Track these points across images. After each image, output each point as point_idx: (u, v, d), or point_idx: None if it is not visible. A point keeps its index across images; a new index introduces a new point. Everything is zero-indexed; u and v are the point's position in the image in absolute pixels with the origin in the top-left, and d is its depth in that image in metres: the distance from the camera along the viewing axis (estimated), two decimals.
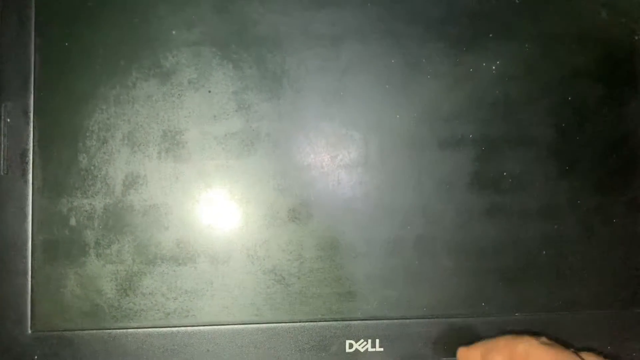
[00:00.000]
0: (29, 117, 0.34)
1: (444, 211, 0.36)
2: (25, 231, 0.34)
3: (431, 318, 0.36)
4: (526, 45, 0.37)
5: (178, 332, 0.34)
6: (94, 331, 0.34)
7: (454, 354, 0.36)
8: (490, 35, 0.37)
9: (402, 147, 0.36)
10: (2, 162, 0.34)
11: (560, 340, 0.31)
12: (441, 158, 0.36)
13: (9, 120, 0.34)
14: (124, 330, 0.34)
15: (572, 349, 0.29)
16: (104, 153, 0.34)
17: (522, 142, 0.37)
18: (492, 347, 0.31)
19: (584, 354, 0.29)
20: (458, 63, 0.37)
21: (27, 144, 0.34)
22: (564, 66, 0.38)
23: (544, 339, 0.30)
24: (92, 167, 0.34)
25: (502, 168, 0.37)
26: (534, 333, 0.31)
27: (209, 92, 0.35)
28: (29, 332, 0.33)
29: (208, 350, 0.34)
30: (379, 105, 0.36)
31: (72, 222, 0.34)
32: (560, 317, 0.37)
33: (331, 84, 0.36)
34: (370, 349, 0.35)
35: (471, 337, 0.36)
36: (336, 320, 0.35)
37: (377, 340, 0.36)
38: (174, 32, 0.35)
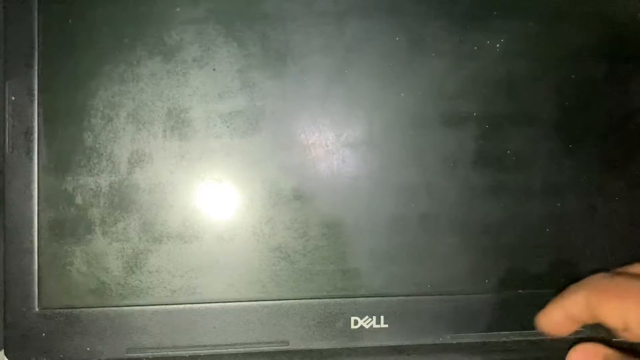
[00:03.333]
0: (33, 95, 0.34)
1: (448, 189, 0.37)
2: (31, 209, 0.34)
3: (435, 295, 0.36)
4: (530, 23, 0.37)
5: (184, 309, 0.34)
6: (101, 308, 0.34)
7: (458, 331, 0.36)
8: (495, 12, 0.37)
9: (406, 125, 0.36)
10: (7, 140, 0.34)
11: None
12: (445, 136, 0.37)
13: (13, 98, 0.34)
14: (131, 308, 0.34)
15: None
16: (109, 131, 0.34)
17: (526, 120, 0.37)
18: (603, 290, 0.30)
19: None
20: (462, 41, 0.37)
21: (31, 122, 0.34)
22: (569, 44, 0.38)
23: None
24: (97, 145, 0.34)
25: (506, 146, 0.37)
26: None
27: (214, 70, 0.35)
28: (37, 309, 0.34)
29: (214, 327, 0.35)
30: (383, 84, 0.36)
31: (78, 200, 0.34)
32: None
33: (335, 62, 0.36)
34: (375, 326, 0.36)
35: (475, 314, 0.37)
36: (341, 297, 0.36)
37: (382, 317, 0.36)
38: (178, 10, 0.35)
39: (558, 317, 0.32)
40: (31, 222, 0.34)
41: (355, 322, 0.36)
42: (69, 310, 0.34)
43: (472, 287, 0.37)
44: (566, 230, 0.38)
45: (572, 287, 0.32)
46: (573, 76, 0.38)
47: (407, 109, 0.36)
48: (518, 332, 0.37)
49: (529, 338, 0.37)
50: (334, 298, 0.36)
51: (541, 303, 0.37)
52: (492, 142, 0.37)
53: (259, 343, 0.35)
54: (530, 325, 0.36)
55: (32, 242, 0.34)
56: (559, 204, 0.37)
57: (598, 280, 0.31)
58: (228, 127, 0.35)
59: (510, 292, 0.37)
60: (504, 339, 0.37)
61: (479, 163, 0.37)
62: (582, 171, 0.38)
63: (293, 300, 0.35)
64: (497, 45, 0.37)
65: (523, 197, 0.37)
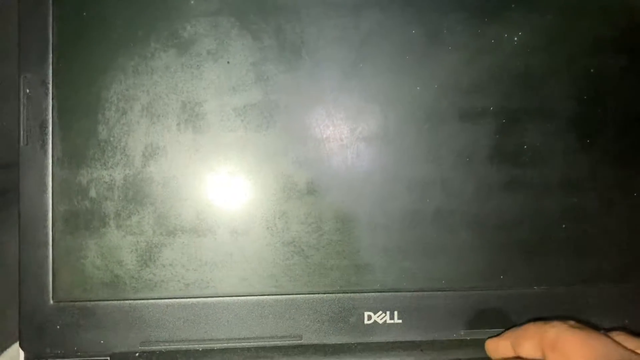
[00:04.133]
0: (48, 88, 0.34)
1: (464, 184, 0.36)
2: (46, 202, 0.34)
3: (450, 291, 0.36)
4: (549, 16, 0.37)
5: (198, 302, 0.34)
6: (115, 302, 0.34)
7: (472, 327, 0.36)
8: (513, 5, 0.36)
9: (421, 120, 0.36)
10: (22, 133, 0.34)
11: (590, 323, 0.31)
12: (461, 130, 0.36)
13: (28, 91, 0.34)
14: (145, 301, 0.34)
15: (602, 331, 0.29)
16: (123, 124, 0.34)
17: (543, 115, 0.37)
18: (522, 334, 0.30)
19: (614, 334, 0.29)
20: (479, 34, 0.36)
21: (46, 115, 0.34)
22: (587, 38, 0.37)
23: (572, 322, 0.29)
24: (111, 138, 0.34)
25: (523, 141, 0.37)
26: (563, 317, 0.31)
27: (228, 63, 0.35)
28: (51, 302, 0.34)
29: (227, 321, 0.34)
30: (398, 77, 0.36)
31: (92, 193, 0.34)
32: (579, 291, 0.37)
33: (350, 55, 0.35)
34: (388, 321, 0.36)
35: (489, 310, 0.36)
36: (355, 292, 0.36)
37: (396, 312, 0.36)
38: (192, 2, 0.35)
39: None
40: (46, 215, 0.34)
41: (369, 317, 0.36)
42: (83, 303, 0.34)
43: (487, 283, 0.36)
44: (583, 226, 0.37)
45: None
46: (592, 70, 0.37)
47: (422, 103, 0.36)
48: None
49: None
50: (348, 293, 0.36)
51: (556, 299, 0.37)
52: (509, 137, 0.36)
53: (272, 337, 0.35)
54: (544, 320, 0.36)
55: (46, 235, 0.34)
56: (575, 200, 0.37)
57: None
58: (242, 120, 0.35)
59: (525, 288, 0.37)
60: None
61: (495, 158, 0.36)
62: (600, 166, 0.37)
63: (306, 295, 0.35)
64: (515, 38, 0.36)
65: (539, 193, 0.37)
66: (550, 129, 0.37)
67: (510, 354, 0.31)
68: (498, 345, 0.32)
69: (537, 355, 0.29)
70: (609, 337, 0.28)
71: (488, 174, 0.36)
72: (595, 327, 0.29)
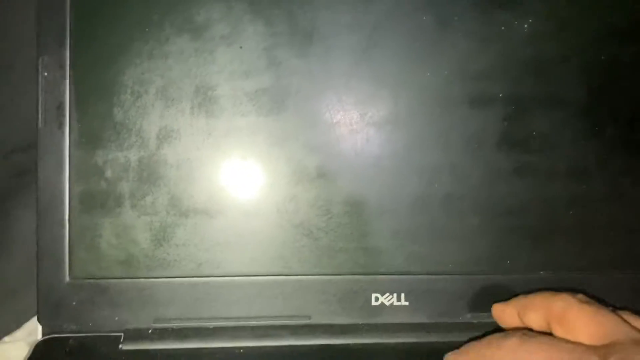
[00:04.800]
0: (65, 71, 0.35)
1: (472, 170, 0.37)
2: (63, 182, 0.35)
3: (457, 274, 0.37)
4: (559, 3, 0.37)
5: (209, 282, 0.35)
6: (129, 280, 0.35)
7: (478, 310, 0.37)
8: None
9: (431, 105, 0.36)
10: (39, 114, 0.34)
11: (598, 298, 0.31)
12: (470, 117, 0.37)
13: (46, 74, 0.35)
14: (158, 279, 0.35)
15: (610, 307, 0.29)
16: (138, 107, 0.35)
17: (552, 102, 0.37)
18: (528, 304, 0.30)
19: (622, 313, 0.29)
20: (490, 21, 0.36)
21: (63, 97, 0.35)
22: (598, 25, 0.37)
23: (581, 296, 0.29)
24: (126, 121, 0.35)
25: (532, 127, 0.37)
26: (572, 290, 0.30)
27: (240, 48, 0.35)
28: (67, 279, 0.35)
29: (238, 300, 0.35)
30: (409, 63, 0.36)
31: (108, 174, 0.35)
32: (586, 277, 0.37)
33: (361, 41, 0.36)
34: (395, 303, 0.36)
35: (496, 295, 0.37)
36: (363, 274, 0.36)
37: (403, 295, 0.36)
38: None
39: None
40: (62, 195, 0.35)
41: (376, 299, 0.36)
42: (98, 280, 0.35)
43: (494, 268, 0.37)
44: (590, 212, 0.37)
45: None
46: (602, 57, 0.37)
47: (432, 89, 0.36)
48: None
49: None
50: (356, 275, 0.36)
51: (562, 285, 0.37)
52: (518, 123, 0.37)
53: (282, 317, 0.36)
54: None
55: (63, 214, 0.35)
56: (584, 187, 0.37)
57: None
58: (254, 105, 0.36)
59: (531, 273, 0.37)
60: None
61: (504, 144, 0.37)
62: (609, 154, 0.37)
63: (315, 276, 0.36)
64: (525, 25, 0.37)
65: (547, 179, 0.37)
66: (560, 116, 0.37)
67: (516, 321, 0.31)
68: (504, 312, 0.32)
69: (543, 326, 0.29)
70: (617, 314, 0.28)
71: (497, 160, 0.37)
72: (603, 303, 0.29)
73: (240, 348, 0.34)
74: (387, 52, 0.36)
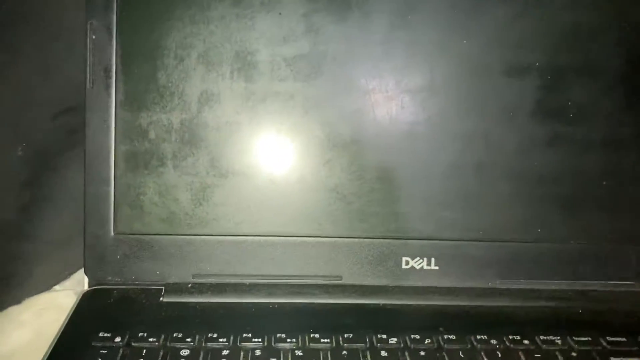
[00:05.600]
0: (112, 35, 0.36)
1: (506, 138, 0.37)
2: (109, 142, 0.36)
3: (487, 241, 0.37)
4: None
5: (246, 240, 0.37)
6: (170, 236, 0.37)
7: (507, 277, 0.37)
8: None
9: (467, 73, 0.37)
10: (88, 76, 0.36)
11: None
12: (506, 85, 0.37)
13: (94, 37, 0.36)
14: (198, 237, 0.37)
15: None
16: (181, 71, 0.36)
17: (589, 72, 0.37)
18: None
19: None
20: None
21: (110, 60, 0.36)
22: None
23: None
24: (169, 84, 0.36)
25: (568, 97, 0.37)
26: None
27: (279, 14, 0.36)
28: (112, 234, 0.37)
29: (273, 258, 0.37)
30: (446, 31, 0.36)
31: (152, 135, 0.36)
32: (616, 248, 0.38)
33: (399, 8, 0.36)
34: (425, 267, 0.37)
35: (525, 262, 0.37)
36: (394, 238, 0.37)
37: (433, 259, 0.37)
38: None
39: None
40: (108, 154, 0.36)
41: (407, 263, 0.37)
42: (141, 236, 0.37)
43: (524, 236, 0.37)
44: (625, 185, 0.37)
45: None
46: None
47: (469, 57, 0.37)
48: (567, 281, 0.37)
49: (577, 288, 0.37)
50: (387, 239, 0.37)
51: (592, 256, 0.37)
52: (553, 93, 0.37)
53: (315, 276, 0.37)
54: (580, 275, 0.37)
55: (109, 172, 0.36)
56: (618, 158, 0.37)
57: None
58: (292, 70, 0.36)
59: (562, 242, 0.38)
60: (553, 287, 0.37)
61: (539, 113, 0.37)
62: None
63: (347, 239, 0.37)
64: None
65: (582, 149, 0.37)
66: (596, 86, 0.37)
67: None
68: None
69: None
70: None
71: (531, 129, 0.37)
72: None
73: (274, 304, 0.35)
74: (424, 19, 0.36)
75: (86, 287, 0.36)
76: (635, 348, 0.33)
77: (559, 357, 0.32)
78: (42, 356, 0.30)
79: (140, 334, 0.32)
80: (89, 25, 0.36)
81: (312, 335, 0.32)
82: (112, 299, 0.36)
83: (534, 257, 0.37)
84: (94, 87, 0.36)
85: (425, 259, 0.37)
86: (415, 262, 0.37)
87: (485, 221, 0.37)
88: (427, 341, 0.32)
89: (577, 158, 0.37)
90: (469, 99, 0.37)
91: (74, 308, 0.35)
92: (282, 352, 0.31)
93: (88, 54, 0.36)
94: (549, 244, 0.37)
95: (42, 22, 0.39)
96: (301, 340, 0.32)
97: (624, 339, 0.33)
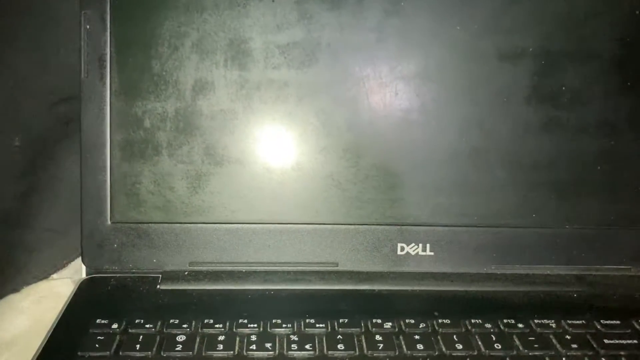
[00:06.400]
0: (106, 24, 0.36)
1: (501, 124, 0.37)
2: (104, 131, 0.36)
3: (482, 227, 0.38)
4: None
5: (242, 228, 0.37)
6: (167, 224, 0.37)
7: (502, 262, 0.37)
8: None
9: (461, 59, 0.37)
10: (83, 66, 0.36)
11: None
12: (500, 71, 0.37)
13: (88, 27, 0.36)
14: (194, 225, 0.37)
15: None
16: (175, 59, 0.36)
17: (583, 57, 0.37)
18: None
19: None
20: None
21: (104, 49, 0.36)
22: None
23: None
24: (163, 73, 0.36)
25: (561, 82, 0.37)
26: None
27: (273, 1, 0.36)
28: (109, 222, 0.37)
29: (269, 245, 0.37)
30: (439, 17, 0.36)
31: (147, 123, 0.36)
32: (611, 232, 0.38)
33: None
34: (421, 253, 0.37)
35: (520, 247, 0.37)
36: (389, 224, 0.37)
37: (428, 245, 0.37)
38: None
39: None
40: (104, 143, 0.36)
41: (402, 249, 0.37)
42: (138, 224, 0.37)
43: (519, 221, 0.38)
44: (619, 169, 0.38)
45: None
46: (637, 12, 0.37)
47: (462, 43, 0.37)
48: (562, 266, 0.38)
49: (573, 272, 0.38)
50: (382, 225, 0.37)
51: (587, 239, 0.38)
52: (547, 78, 0.37)
53: (310, 263, 0.37)
54: (574, 259, 0.37)
55: (104, 161, 0.37)
56: (612, 142, 0.37)
57: None
58: (285, 57, 0.37)
59: (557, 227, 0.38)
60: (548, 272, 0.38)
61: (533, 99, 0.37)
62: (638, 109, 0.37)
63: (343, 225, 0.37)
64: None
65: (576, 134, 0.37)
66: (590, 71, 0.37)
67: None
68: None
69: None
70: None
71: (525, 115, 0.37)
72: None
73: (270, 290, 0.36)
74: (418, 5, 0.36)
75: (84, 276, 0.37)
76: (629, 331, 0.33)
77: (554, 341, 0.32)
78: (40, 343, 0.31)
79: (137, 321, 0.32)
80: (83, 15, 0.36)
81: (307, 321, 0.32)
82: (109, 287, 0.36)
83: (529, 242, 0.37)
84: (88, 76, 0.36)
85: (420, 245, 0.37)
86: (410, 248, 0.37)
87: (480, 207, 0.37)
88: (421, 325, 0.32)
89: (571, 143, 0.37)
90: (463, 85, 0.37)
91: (71, 296, 0.35)
92: (277, 337, 0.31)
93: (82, 44, 0.36)
94: (544, 228, 0.38)
95: (38, 12, 0.39)
96: (296, 325, 0.32)
97: (619, 323, 0.33)
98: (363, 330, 0.32)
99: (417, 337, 0.32)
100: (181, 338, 0.31)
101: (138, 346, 0.30)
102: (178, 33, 0.36)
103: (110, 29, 0.36)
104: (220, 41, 0.36)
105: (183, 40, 0.36)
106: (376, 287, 0.36)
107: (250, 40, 0.36)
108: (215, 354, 0.30)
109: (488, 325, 0.33)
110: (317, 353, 0.30)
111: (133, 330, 0.31)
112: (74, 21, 0.36)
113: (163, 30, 0.36)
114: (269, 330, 0.32)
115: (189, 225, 0.37)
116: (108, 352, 0.30)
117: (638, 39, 0.37)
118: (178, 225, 0.37)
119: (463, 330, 0.32)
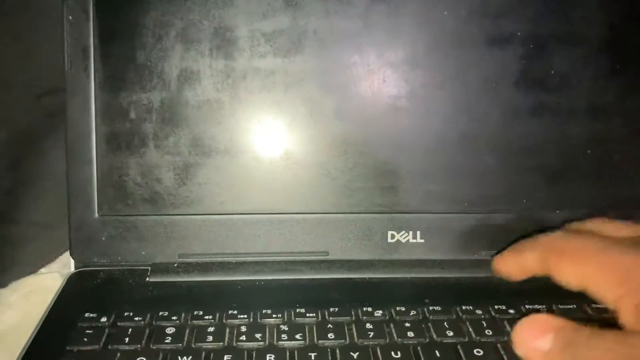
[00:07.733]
0: (89, 15, 0.36)
1: (489, 109, 0.37)
2: (90, 123, 0.36)
3: (472, 213, 0.37)
4: None
5: (231, 219, 0.37)
6: (155, 216, 0.37)
7: (492, 248, 0.37)
8: None
9: (449, 45, 0.36)
10: (66, 57, 0.36)
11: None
12: (488, 56, 0.36)
13: (70, 18, 0.36)
14: (182, 216, 0.37)
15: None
16: (159, 49, 0.36)
17: (571, 40, 0.37)
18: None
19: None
20: None
21: (87, 40, 0.36)
22: None
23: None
24: (148, 63, 0.36)
25: (550, 66, 0.37)
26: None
27: None
28: (96, 215, 0.36)
29: (259, 236, 0.37)
30: (427, 2, 0.36)
31: (132, 115, 0.36)
32: (599, 216, 0.37)
33: None
34: (411, 240, 0.37)
35: (510, 233, 0.37)
36: (379, 212, 0.37)
37: (419, 232, 0.37)
38: None
39: (512, 266, 0.32)
40: (90, 135, 0.36)
41: (392, 236, 0.37)
42: (126, 217, 0.37)
43: (510, 207, 0.37)
44: (609, 152, 0.37)
45: (528, 243, 0.31)
46: None
47: (449, 28, 0.36)
48: None
49: None
50: (372, 213, 0.37)
51: None
52: (536, 62, 0.37)
53: (301, 252, 0.37)
54: None
55: (90, 154, 0.36)
56: (602, 126, 0.37)
57: (555, 240, 0.30)
58: (271, 46, 0.36)
59: (547, 212, 0.38)
60: None
61: (522, 83, 0.37)
62: (628, 93, 0.37)
63: (333, 214, 0.37)
64: None
65: (565, 119, 0.37)
66: (578, 55, 0.37)
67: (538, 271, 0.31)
68: (526, 259, 0.31)
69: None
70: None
71: (514, 99, 0.37)
72: None
73: (260, 281, 0.36)
74: None
75: (72, 269, 0.37)
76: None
77: None
78: (29, 337, 0.30)
79: (126, 314, 0.32)
80: (65, 6, 0.35)
81: (297, 310, 0.32)
82: (98, 280, 0.36)
83: (520, 228, 0.37)
84: (72, 68, 0.36)
85: (411, 233, 0.37)
86: (401, 236, 0.37)
87: (471, 193, 0.37)
88: (412, 313, 0.32)
89: (561, 127, 0.37)
90: (451, 71, 0.36)
91: (60, 290, 0.35)
92: (267, 327, 0.31)
93: (65, 35, 0.36)
94: (534, 213, 0.37)
95: (20, 2, 0.39)
96: (287, 315, 0.32)
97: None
98: (354, 318, 0.32)
99: (407, 324, 0.31)
100: (170, 330, 0.31)
101: (127, 339, 0.30)
102: (162, 22, 0.36)
103: (93, 19, 0.36)
104: (205, 30, 0.36)
105: (167, 29, 0.36)
106: (367, 275, 0.36)
107: (236, 29, 0.36)
108: (205, 345, 0.30)
109: (479, 312, 0.33)
110: (307, 342, 0.30)
111: (122, 323, 0.31)
112: (57, 12, 0.36)
113: (147, 20, 0.36)
114: (259, 320, 0.31)
115: (177, 217, 0.37)
116: (97, 346, 0.30)
117: (626, 22, 0.37)
118: (166, 217, 0.37)
119: (454, 317, 0.32)
